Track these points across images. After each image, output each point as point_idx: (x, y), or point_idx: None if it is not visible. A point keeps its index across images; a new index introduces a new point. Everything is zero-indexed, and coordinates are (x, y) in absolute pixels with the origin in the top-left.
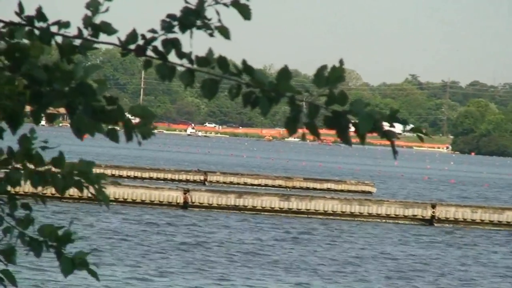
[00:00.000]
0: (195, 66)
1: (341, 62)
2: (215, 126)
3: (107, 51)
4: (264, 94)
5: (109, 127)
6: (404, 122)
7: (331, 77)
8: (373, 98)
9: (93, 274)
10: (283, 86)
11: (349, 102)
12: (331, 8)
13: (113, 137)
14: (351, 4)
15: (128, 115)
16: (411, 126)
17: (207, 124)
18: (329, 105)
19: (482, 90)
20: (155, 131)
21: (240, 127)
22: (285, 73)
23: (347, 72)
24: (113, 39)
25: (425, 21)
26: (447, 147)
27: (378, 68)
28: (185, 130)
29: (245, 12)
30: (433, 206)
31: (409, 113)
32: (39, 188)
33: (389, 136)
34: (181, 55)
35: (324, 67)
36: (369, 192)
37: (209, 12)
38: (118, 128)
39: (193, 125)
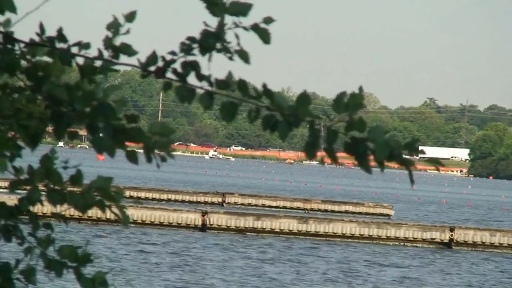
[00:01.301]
0: (214, 89)
1: (360, 89)
2: (241, 149)
3: (126, 73)
4: (283, 118)
5: (128, 149)
6: (421, 152)
7: (351, 103)
8: (392, 121)
9: None
10: (302, 110)
11: (368, 128)
12: (349, 31)
13: (132, 159)
14: (369, 27)
15: (148, 134)
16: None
17: (233, 147)
18: (348, 131)
19: (500, 114)
20: (174, 153)
21: (262, 149)
22: (304, 97)
23: (366, 96)
24: (133, 60)
25: (444, 44)
26: (461, 171)
27: (396, 91)
28: (207, 153)
29: (265, 36)
30: (452, 229)
31: (427, 136)
32: (60, 208)
33: (407, 164)
34: (200, 77)
35: (343, 94)
36: (387, 215)
37: (229, 36)
38: (137, 150)
39: (215, 147)
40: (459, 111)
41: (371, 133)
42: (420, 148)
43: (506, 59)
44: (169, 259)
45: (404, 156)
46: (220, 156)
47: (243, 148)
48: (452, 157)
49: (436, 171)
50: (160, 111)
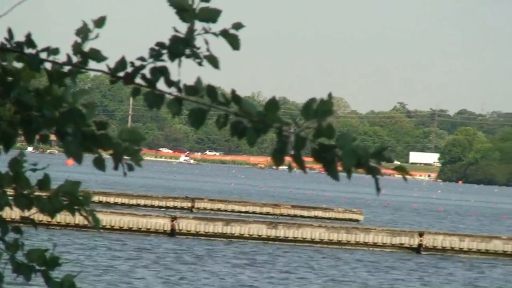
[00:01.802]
0: (183, 95)
1: (329, 95)
2: (215, 154)
3: (96, 77)
4: (251, 125)
5: (96, 155)
6: (389, 160)
7: (320, 110)
8: (362, 126)
9: None
10: (271, 117)
11: (336, 135)
12: (319, 35)
13: (99, 166)
14: (340, 31)
15: (118, 140)
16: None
17: (207, 152)
18: (316, 138)
19: (470, 119)
20: (143, 158)
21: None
22: (273, 104)
23: (336, 100)
24: (102, 66)
25: (413, 49)
26: (429, 176)
27: (366, 96)
28: (177, 158)
29: (234, 42)
30: (421, 235)
31: (397, 141)
32: (29, 212)
33: (374, 172)
34: (169, 83)
35: (312, 100)
36: (357, 220)
37: (199, 41)
38: (104, 156)
39: (187, 152)
40: (429, 116)
41: (339, 140)
42: (388, 156)
43: (476, 64)
44: (139, 263)
45: (371, 164)
46: (191, 161)
47: (217, 153)
48: (435, 161)
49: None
50: (130, 116)
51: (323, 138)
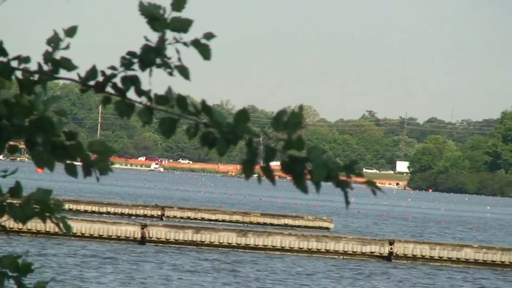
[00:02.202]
0: (153, 104)
1: (300, 107)
2: (189, 162)
3: (65, 85)
4: (221, 135)
5: (67, 162)
6: (359, 174)
7: (290, 122)
8: (331, 134)
9: None
10: (241, 128)
11: (306, 147)
12: (287, 44)
13: (71, 173)
14: (307, 39)
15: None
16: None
17: (180, 160)
18: (286, 149)
19: (439, 127)
20: (113, 166)
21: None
22: (243, 114)
23: (305, 108)
24: (73, 75)
25: (381, 57)
26: (397, 184)
27: (335, 104)
28: (148, 166)
29: (205, 52)
30: (391, 243)
31: (366, 149)
32: (0, 219)
33: (343, 186)
34: (140, 92)
35: (283, 112)
36: (327, 228)
37: (171, 51)
38: (76, 163)
39: (158, 160)
40: (398, 124)
41: (310, 153)
42: (358, 169)
43: (444, 71)
44: (108, 271)
45: (341, 178)
46: (161, 169)
47: (190, 162)
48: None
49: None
50: (99, 124)
51: (293, 150)
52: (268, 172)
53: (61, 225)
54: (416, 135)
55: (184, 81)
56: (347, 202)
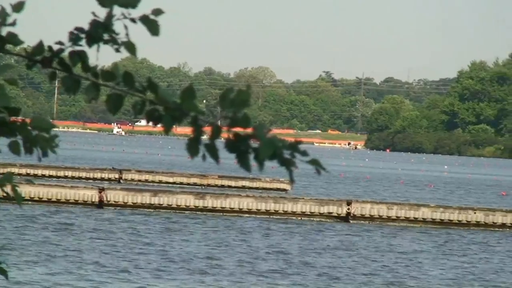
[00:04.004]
0: (100, 81)
1: (248, 86)
2: (149, 124)
3: (22, 50)
4: (167, 112)
5: (11, 139)
6: (304, 154)
7: (237, 100)
8: (288, 95)
9: (3, 272)
10: (187, 105)
11: (252, 125)
12: (245, 5)
13: (15, 150)
14: (265, 0)
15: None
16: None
17: (138, 123)
18: (232, 127)
19: (396, 87)
20: (57, 146)
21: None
22: (189, 92)
23: (262, 70)
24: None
25: (338, 17)
26: (349, 143)
27: (292, 65)
28: (105, 130)
29: (154, 28)
30: (349, 203)
31: (323, 110)
32: None
33: (288, 164)
34: (86, 68)
35: (230, 90)
36: (284, 190)
37: (118, 27)
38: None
39: (119, 124)
40: (355, 84)
41: (256, 131)
42: (303, 149)
43: (402, 31)
44: (65, 236)
45: (286, 156)
46: (123, 132)
47: (150, 124)
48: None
49: (322, 144)
50: (56, 88)
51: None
52: (212, 151)
53: (12, 193)
54: (373, 95)
55: (140, 45)
56: (292, 180)
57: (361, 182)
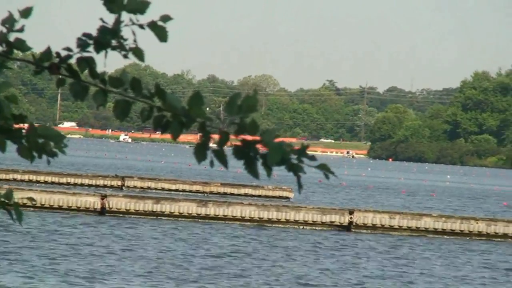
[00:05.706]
0: (108, 87)
1: (255, 91)
2: (157, 132)
3: (25, 56)
4: (175, 119)
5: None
6: (312, 158)
7: (244, 105)
8: (291, 104)
9: None
10: (194, 111)
11: (260, 131)
12: (249, 13)
13: (25, 155)
14: (268, 8)
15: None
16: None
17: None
18: (239, 133)
19: (399, 96)
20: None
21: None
22: (197, 98)
23: (265, 78)
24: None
25: (342, 26)
26: (348, 152)
27: (295, 73)
28: (107, 137)
29: (162, 34)
30: (351, 212)
31: (326, 119)
32: None
33: (296, 170)
34: (94, 75)
35: (237, 95)
36: (287, 198)
37: (126, 33)
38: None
39: (126, 132)
40: (358, 93)
41: (264, 136)
42: (311, 154)
43: (406, 40)
44: (65, 243)
45: (294, 161)
46: (129, 139)
47: (157, 132)
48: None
49: (317, 153)
50: (59, 94)
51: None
52: (221, 157)
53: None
54: (376, 104)
55: (147, 48)
56: (300, 186)
57: (363, 191)
